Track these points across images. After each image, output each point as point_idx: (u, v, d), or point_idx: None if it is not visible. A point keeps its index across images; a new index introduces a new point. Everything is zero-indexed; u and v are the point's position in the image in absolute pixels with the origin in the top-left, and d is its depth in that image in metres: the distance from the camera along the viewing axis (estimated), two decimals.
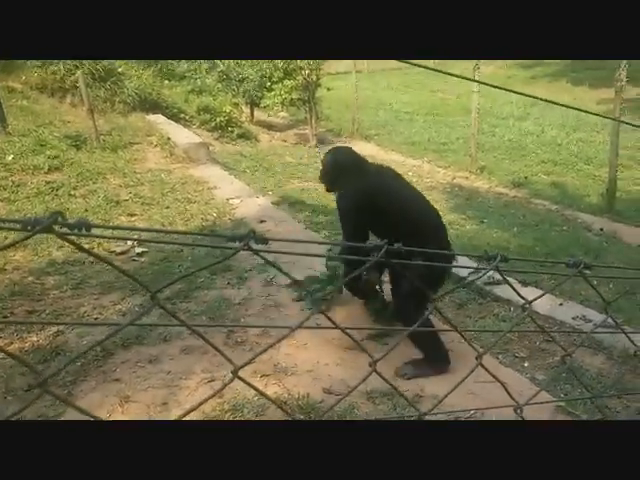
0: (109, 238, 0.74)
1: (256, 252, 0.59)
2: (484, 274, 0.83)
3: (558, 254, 5.26)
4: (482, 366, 0.81)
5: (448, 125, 12.71)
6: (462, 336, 0.85)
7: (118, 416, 2.29)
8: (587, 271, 0.93)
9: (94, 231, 0.52)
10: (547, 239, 5.75)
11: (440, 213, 3.18)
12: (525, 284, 4.32)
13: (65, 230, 0.51)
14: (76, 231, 0.49)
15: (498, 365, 2.97)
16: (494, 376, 0.87)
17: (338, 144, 11.00)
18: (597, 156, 10.18)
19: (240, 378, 0.61)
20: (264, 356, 2.86)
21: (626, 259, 5.35)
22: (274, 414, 2.30)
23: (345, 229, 2.87)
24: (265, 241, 0.57)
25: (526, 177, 8.91)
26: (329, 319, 0.67)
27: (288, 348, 2.93)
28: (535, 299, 0.92)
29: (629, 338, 0.98)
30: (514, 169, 9.45)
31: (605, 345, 3.38)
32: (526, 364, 3.19)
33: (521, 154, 10.48)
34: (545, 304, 3.98)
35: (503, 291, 4.13)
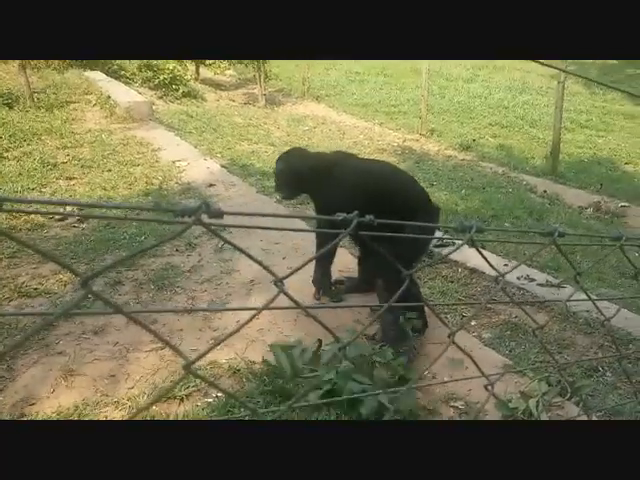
0: (30, 213, 0.66)
1: (209, 228, 0.52)
2: (460, 246, 0.80)
3: (503, 216, 5.41)
4: (454, 344, 0.79)
5: (398, 87, 12.67)
6: (433, 312, 0.82)
7: (63, 390, 2.20)
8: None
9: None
10: (493, 201, 5.89)
11: None
12: (472, 246, 4.41)
13: None
14: None
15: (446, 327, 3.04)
16: (468, 355, 0.85)
17: (288, 104, 10.79)
18: (541, 119, 10.45)
19: (193, 373, 0.55)
20: (217, 321, 2.81)
21: (567, 220, 5.56)
22: (226, 382, 2.27)
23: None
24: (220, 214, 0.50)
25: (474, 139, 9.05)
26: (292, 299, 0.61)
27: (240, 312, 2.88)
28: (508, 272, 0.90)
29: (596, 306, 0.98)
30: (463, 131, 9.57)
31: (547, 303, 3.52)
32: (473, 323, 3.28)
33: (469, 116, 10.62)
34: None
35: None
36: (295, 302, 0.61)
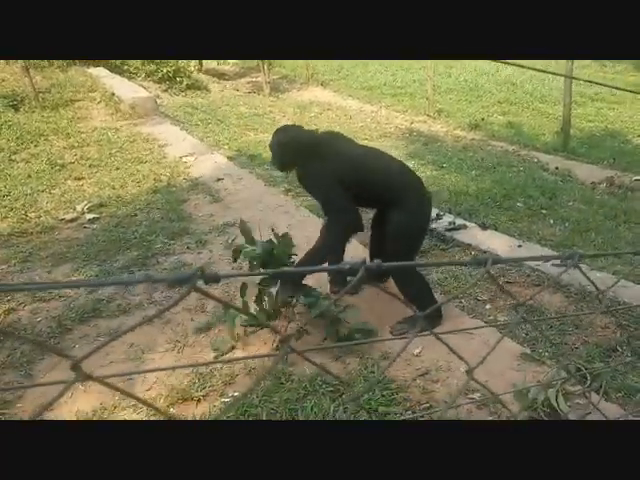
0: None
1: (206, 293, 0.50)
2: (479, 279, 0.76)
3: (515, 195, 5.33)
4: (474, 380, 0.76)
5: (403, 68, 12.49)
6: (451, 350, 0.79)
7: (80, 395, 2.21)
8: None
9: None
10: (504, 181, 5.81)
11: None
12: (484, 227, 4.37)
13: None
14: None
15: (461, 314, 3.01)
16: (487, 387, 0.82)
17: (293, 91, 10.70)
18: (551, 94, 10.26)
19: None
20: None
21: (580, 197, 5.47)
22: (243, 381, 2.27)
23: (326, 199, 2.78)
24: (216, 279, 0.48)
25: (483, 118, 8.91)
26: (298, 353, 0.60)
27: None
28: (531, 297, 0.87)
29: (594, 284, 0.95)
30: (471, 110, 9.43)
31: (563, 283, 3.47)
32: (488, 306, 3.23)
33: (477, 95, 10.45)
34: (505, 246, 4.05)
35: (464, 236, 4.17)
36: (304, 356, 0.59)
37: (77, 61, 8.83)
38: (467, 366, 0.76)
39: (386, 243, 2.81)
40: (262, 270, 2.40)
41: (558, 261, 3.76)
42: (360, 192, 2.79)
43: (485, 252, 3.92)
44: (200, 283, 0.48)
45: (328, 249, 2.73)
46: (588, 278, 0.83)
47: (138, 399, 0.56)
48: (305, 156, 2.80)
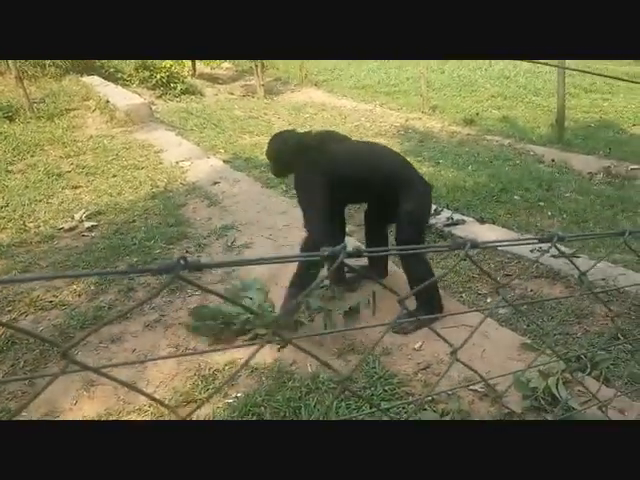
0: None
1: (189, 282, 0.51)
2: (458, 262, 0.77)
3: (512, 188, 5.34)
4: (459, 360, 0.77)
5: (397, 65, 12.51)
6: (436, 333, 0.80)
7: (85, 401, 2.22)
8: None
9: None
10: (501, 174, 5.82)
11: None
12: (482, 222, 4.39)
13: None
14: None
15: (462, 307, 3.02)
16: (473, 370, 0.83)
17: (287, 93, 10.72)
18: (545, 86, 10.28)
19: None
20: None
21: (577, 188, 5.48)
22: (246, 382, 2.28)
23: (306, 214, 2.73)
24: (199, 268, 0.49)
25: (477, 113, 8.93)
26: (280, 336, 0.60)
27: None
28: (506, 284, 0.87)
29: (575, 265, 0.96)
30: (465, 106, 9.45)
31: (562, 275, 3.48)
32: (489, 300, 3.24)
33: (471, 90, 10.47)
34: (503, 239, 4.06)
35: (462, 231, 4.18)
36: (284, 339, 0.60)
37: (71, 70, 8.84)
38: (451, 347, 0.77)
39: (399, 231, 2.85)
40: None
41: (557, 252, 3.77)
42: (360, 189, 2.82)
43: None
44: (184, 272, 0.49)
45: (306, 270, 2.65)
46: (568, 257, 0.85)
47: (142, 392, 0.57)
48: (296, 162, 2.79)
